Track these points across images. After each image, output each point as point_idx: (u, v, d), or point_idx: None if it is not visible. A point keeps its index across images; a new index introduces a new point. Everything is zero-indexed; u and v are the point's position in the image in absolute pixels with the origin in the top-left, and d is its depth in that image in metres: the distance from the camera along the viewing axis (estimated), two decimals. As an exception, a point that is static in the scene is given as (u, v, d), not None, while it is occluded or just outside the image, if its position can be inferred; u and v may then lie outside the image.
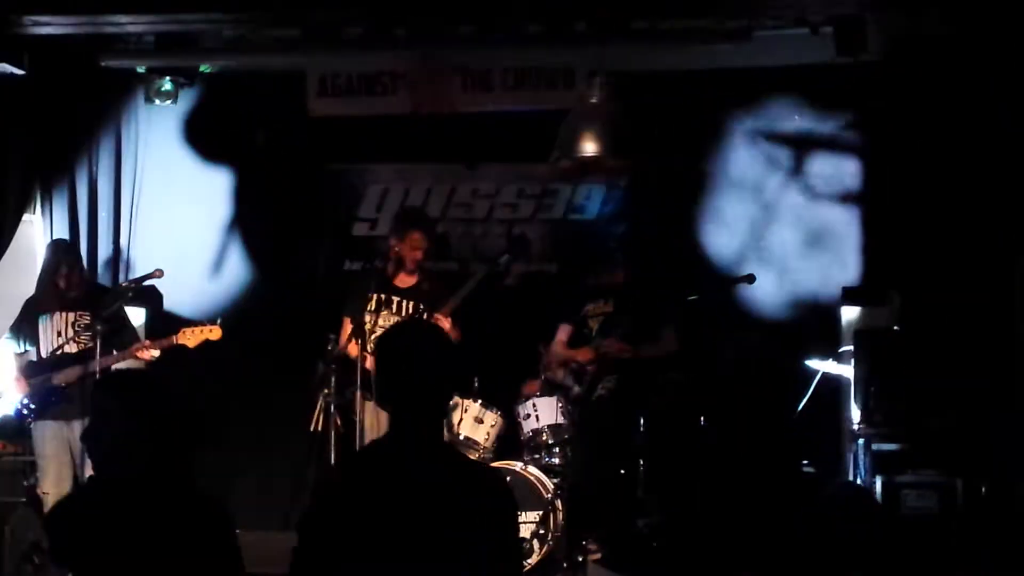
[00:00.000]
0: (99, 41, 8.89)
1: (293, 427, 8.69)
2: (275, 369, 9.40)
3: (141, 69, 9.39)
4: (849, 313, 8.64)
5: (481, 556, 3.23)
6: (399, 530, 3.22)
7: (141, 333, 8.35)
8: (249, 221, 9.93)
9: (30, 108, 9.37)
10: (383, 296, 7.94)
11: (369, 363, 7.65)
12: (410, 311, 7.90)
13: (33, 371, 7.84)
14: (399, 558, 3.21)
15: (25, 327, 7.96)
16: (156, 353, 7.78)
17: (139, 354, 7.73)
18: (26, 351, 7.96)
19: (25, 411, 7.81)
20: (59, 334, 7.83)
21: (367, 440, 7.65)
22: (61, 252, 8.05)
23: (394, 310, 7.94)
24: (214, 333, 7.73)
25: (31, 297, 8.02)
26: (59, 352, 7.81)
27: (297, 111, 8.88)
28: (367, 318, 7.83)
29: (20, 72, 8.51)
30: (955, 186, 8.51)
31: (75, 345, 7.80)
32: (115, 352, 7.71)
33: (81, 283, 7.97)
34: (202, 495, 3.73)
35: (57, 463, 7.71)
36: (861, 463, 7.69)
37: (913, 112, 8.60)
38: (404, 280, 8.01)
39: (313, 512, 3.35)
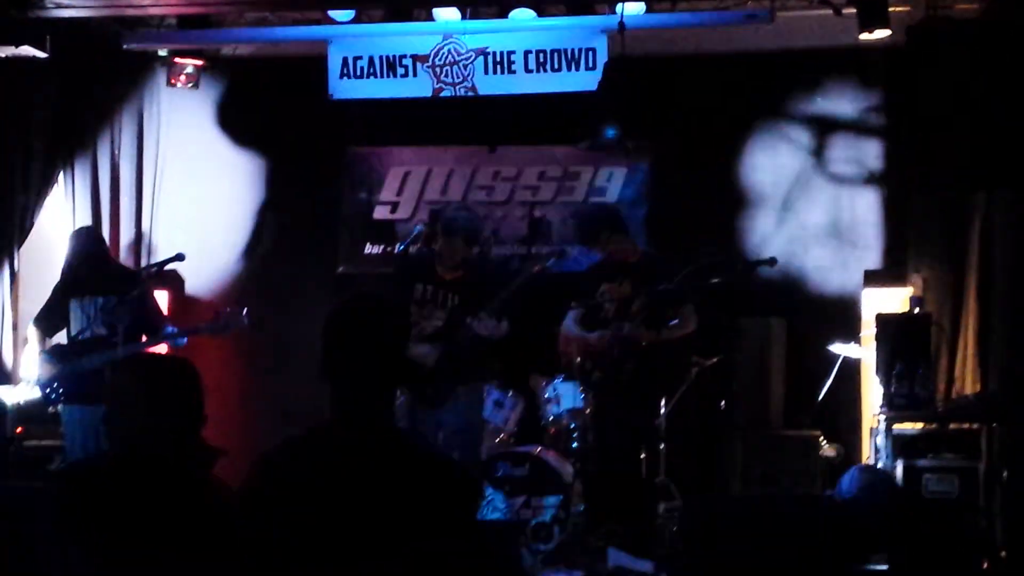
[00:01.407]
0: (121, 23, 8.91)
1: (317, 414, 8.67)
2: (295, 354, 9.41)
3: (163, 52, 9.40)
4: (871, 296, 8.62)
5: (426, 547, 3.01)
6: (336, 520, 3.03)
7: (163, 317, 8.38)
8: (269, 206, 9.94)
9: (52, 91, 9.39)
10: (429, 288, 7.59)
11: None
12: (456, 305, 7.62)
13: (63, 355, 7.86)
14: (337, 552, 3.01)
15: (55, 312, 7.99)
16: (183, 342, 7.81)
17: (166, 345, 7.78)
18: (54, 335, 8.01)
19: (53, 395, 7.84)
20: (89, 318, 7.85)
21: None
22: (85, 240, 8.04)
23: (439, 303, 7.56)
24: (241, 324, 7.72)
25: (59, 283, 8.04)
26: (88, 336, 7.84)
27: (318, 94, 8.87)
28: (413, 309, 7.61)
29: (43, 55, 8.50)
30: (979, 167, 8.46)
31: (104, 329, 7.82)
32: (144, 339, 7.74)
33: (108, 268, 7.98)
34: (211, 480, 3.68)
35: (84, 446, 7.74)
36: (882, 447, 7.67)
37: (937, 94, 8.56)
38: (449, 273, 7.61)
39: (247, 500, 3.15)
